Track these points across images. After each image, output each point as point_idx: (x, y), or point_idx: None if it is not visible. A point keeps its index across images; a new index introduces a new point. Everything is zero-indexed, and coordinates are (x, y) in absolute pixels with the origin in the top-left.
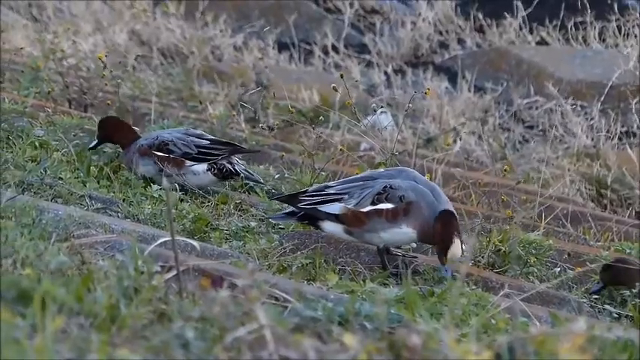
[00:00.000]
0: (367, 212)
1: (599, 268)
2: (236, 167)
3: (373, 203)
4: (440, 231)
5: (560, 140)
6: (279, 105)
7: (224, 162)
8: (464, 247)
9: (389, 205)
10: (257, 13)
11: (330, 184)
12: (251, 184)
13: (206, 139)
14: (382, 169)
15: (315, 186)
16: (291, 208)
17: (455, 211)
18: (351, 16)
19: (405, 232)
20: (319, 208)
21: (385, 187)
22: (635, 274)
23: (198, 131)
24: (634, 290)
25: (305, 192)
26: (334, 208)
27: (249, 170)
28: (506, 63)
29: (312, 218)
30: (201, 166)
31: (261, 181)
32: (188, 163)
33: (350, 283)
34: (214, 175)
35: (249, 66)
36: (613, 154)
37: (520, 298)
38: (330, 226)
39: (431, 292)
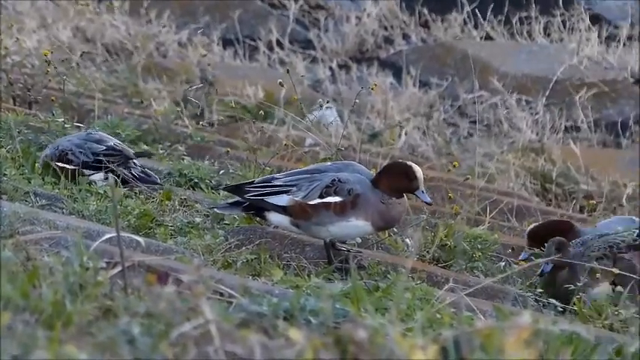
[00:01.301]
0: (315, 205)
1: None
2: (132, 171)
3: (321, 196)
4: (391, 180)
5: (505, 135)
6: (224, 101)
7: (121, 168)
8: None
9: (337, 199)
10: (202, 10)
11: (277, 175)
12: (147, 185)
13: (104, 145)
14: (329, 163)
15: (261, 177)
16: (237, 198)
17: None
18: (296, 11)
19: (354, 225)
20: (266, 200)
21: (334, 180)
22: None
23: (99, 135)
24: (579, 284)
25: (252, 183)
26: (282, 199)
27: (147, 172)
28: (451, 58)
29: (257, 209)
30: (99, 175)
31: (158, 181)
32: (87, 172)
33: (295, 278)
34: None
35: (194, 62)
36: (558, 149)
37: (465, 293)
38: (276, 218)
39: (376, 287)
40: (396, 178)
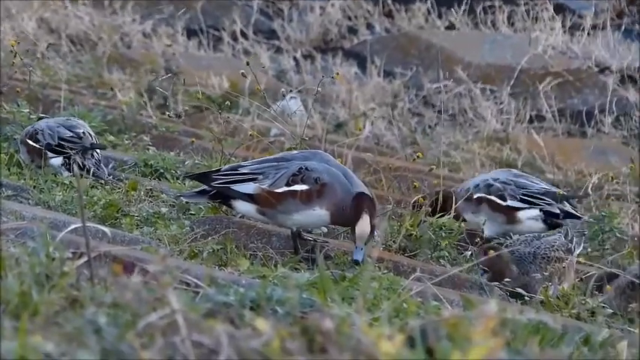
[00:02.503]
0: (282, 193)
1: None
2: (85, 162)
3: (288, 184)
4: (352, 211)
5: (470, 124)
6: (189, 91)
7: (77, 157)
8: (376, 230)
9: (304, 187)
10: (166, 0)
11: (243, 163)
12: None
13: (72, 132)
14: (296, 151)
15: (228, 165)
16: (203, 187)
17: (371, 193)
18: (260, 2)
19: (318, 214)
20: (233, 187)
21: (301, 168)
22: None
23: (75, 122)
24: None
25: (218, 171)
26: (248, 187)
27: (100, 166)
28: (415, 48)
29: (224, 197)
30: (58, 160)
31: (105, 178)
32: (49, 154)
33: (261, 268)
34: (67, 169)
35: (159, 53)
36: (523, 138)
37: (432, 282)
38: (242, 206)
39: (342, 277)
40: (353, 220)
